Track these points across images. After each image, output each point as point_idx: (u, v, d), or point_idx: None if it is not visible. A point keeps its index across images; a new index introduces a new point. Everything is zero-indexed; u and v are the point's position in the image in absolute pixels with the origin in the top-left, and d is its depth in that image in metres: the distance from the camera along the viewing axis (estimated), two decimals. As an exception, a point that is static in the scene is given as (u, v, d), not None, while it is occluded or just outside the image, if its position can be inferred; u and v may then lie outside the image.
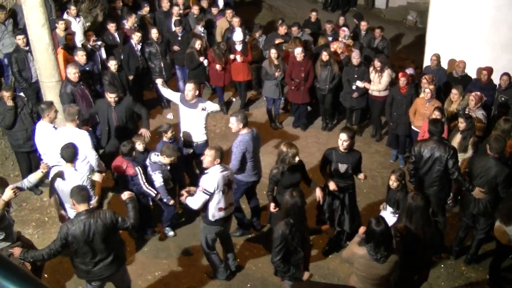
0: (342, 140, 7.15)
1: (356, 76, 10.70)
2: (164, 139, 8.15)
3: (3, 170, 9.88)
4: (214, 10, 13.28)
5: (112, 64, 9.98)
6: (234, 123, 7.60)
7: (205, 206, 6.62)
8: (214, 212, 6.64)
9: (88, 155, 7.74)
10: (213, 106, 8.75)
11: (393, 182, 7.17)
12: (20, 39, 9.71)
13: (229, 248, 7.48)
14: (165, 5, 13.08)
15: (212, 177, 6.50)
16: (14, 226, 6.41)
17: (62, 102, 8.83)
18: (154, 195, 7.59)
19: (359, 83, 10.64)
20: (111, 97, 8.67)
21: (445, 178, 7.49)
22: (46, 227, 8.53)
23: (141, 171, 7.52)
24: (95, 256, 5.80)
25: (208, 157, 6.58)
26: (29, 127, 8.70)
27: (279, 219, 6.01)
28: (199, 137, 8.69)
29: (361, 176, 7.52)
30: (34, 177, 6.85)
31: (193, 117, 8.59)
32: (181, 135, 8.78)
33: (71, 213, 6.77)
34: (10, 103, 8.53)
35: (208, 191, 6.45)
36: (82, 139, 7.57)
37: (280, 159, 6.88)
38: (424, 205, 5.86)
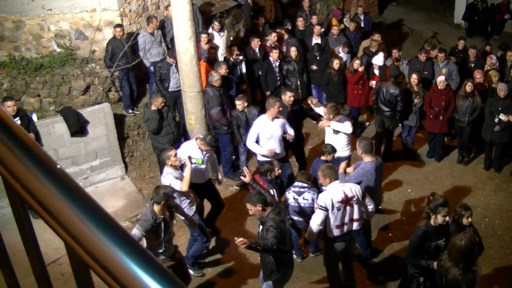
0: None
1: (500, 108, 10.09)
2: (323, 158, 8.25)
3: (140, 170, 10.42)
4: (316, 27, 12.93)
5: (239, 104, 9.64)
6: (357, 148, 7.54)
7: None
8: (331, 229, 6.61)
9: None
10: (343, 127, 8.70)
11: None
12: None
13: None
14: (301, 24, 13.20)
15: (327, 194, 6.50)
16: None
17: (210, 106, 9.41)
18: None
19: (503, 116, 10.03)
20: (290, 96, 9.35)
21: None
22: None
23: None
24: None
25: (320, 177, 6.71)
26: (176, 130, 9.34)
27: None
28: (341, 152, 8.71)
29: None
30: None
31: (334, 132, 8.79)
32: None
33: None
34: (157, 106, 9.02)
35: (323, 207, 6.42)
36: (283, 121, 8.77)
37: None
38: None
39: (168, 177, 7.12)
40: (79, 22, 10.80)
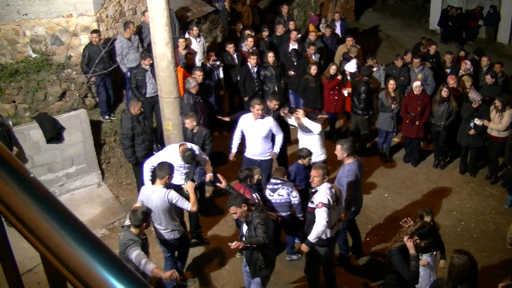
0: None
1: (475, 113, 10.22)
2: (300, 162, 8.25)
3: (117, 177, 10.33)
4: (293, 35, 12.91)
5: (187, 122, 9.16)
6: (338, 151, 7.54)
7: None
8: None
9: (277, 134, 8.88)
10: (313, 125, 8.73)
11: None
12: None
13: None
14: (280, 30, 13.27)
15: (325, 192, 6.56)
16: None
17: (184, 112, 9.22)
18: None
19: (477, 121, 10.16)
20: (275, 104, 9.30)
21: None
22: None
23: None
24: None
25: (316, 177, 6.64)
26: (151, 138, 9.24)
27: None
28: (317, 157, 8.68)
29: None
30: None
31: (309, 139, 8.77)
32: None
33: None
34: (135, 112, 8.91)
35: (327, 204, 6.46)
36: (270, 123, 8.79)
37: None
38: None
39: (173, 194, 6.83)
40: (55, 27, 10.68)
